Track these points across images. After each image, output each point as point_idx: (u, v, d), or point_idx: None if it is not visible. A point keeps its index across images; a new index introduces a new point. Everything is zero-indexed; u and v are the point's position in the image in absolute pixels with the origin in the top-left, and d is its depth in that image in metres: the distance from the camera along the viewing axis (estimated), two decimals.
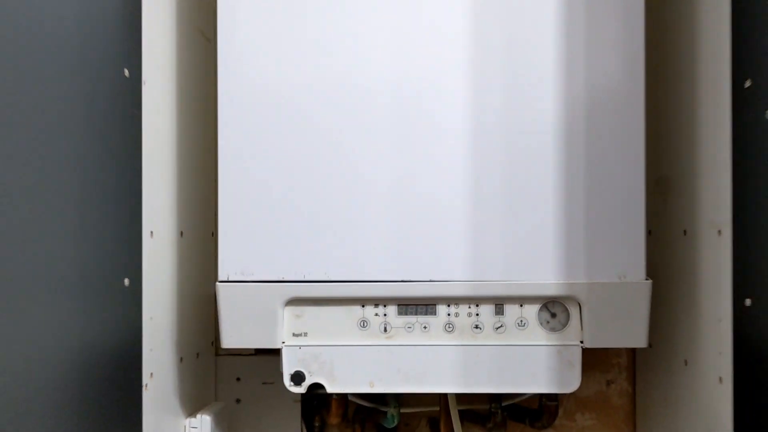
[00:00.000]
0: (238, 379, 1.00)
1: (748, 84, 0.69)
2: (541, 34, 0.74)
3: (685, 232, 0.83)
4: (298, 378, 0.77)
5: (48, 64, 0.58)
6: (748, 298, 0.69)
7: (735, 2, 0.71)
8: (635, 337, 0.75)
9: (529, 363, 0.76)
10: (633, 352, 1.03)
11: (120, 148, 0.70)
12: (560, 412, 1.04)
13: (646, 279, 0.74)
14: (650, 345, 0.92)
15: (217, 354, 1.00)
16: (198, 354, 0.93)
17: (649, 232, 0.91)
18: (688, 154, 0.82)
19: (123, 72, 0.70)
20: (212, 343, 0.99)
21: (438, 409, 0.98)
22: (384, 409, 0.98)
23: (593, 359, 1.04)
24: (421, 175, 0.74)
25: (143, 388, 0.75)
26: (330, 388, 0.77)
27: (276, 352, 0.79)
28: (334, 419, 0.93)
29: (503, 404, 0.97)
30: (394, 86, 0.74)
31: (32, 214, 0.56)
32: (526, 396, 0.97)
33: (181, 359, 0.87)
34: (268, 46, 0.75)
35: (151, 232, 0.77)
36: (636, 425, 1.03)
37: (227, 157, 0.75)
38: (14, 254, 0.54)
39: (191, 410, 0.89)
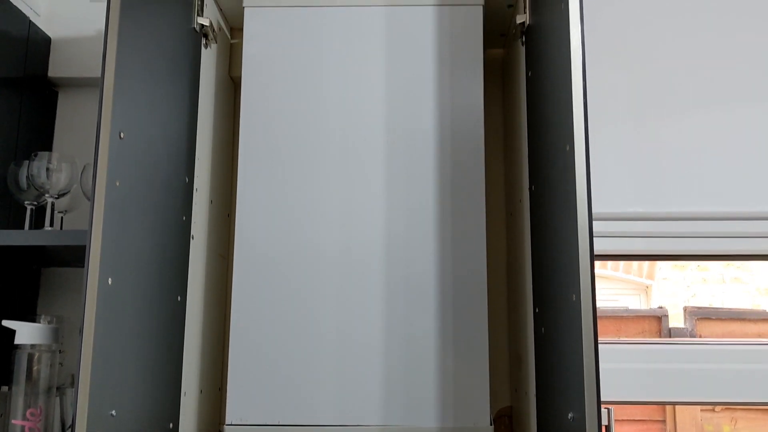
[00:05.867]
0: None
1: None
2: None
3: (526, 392, 1.30)
4: None
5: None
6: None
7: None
8: None
9: None
10: None
11: (173, 340, 1.18)
12: None
13: (490, 425, 1.21)
14: None
15: None
16: None
17: (515, 390, 1.39)
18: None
19: (177, 297, 1.20)
20: None
21: None
22: None
23: None
24: (354, 353, 1.22)
25: None
26: None
27: None
28: None
29: None
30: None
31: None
32: None
33: None
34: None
35: (185, 392, 1.24)
36: None
37: (237, 344, 1.23)
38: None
39: None
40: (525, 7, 1.30)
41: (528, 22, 1.29)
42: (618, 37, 1.68)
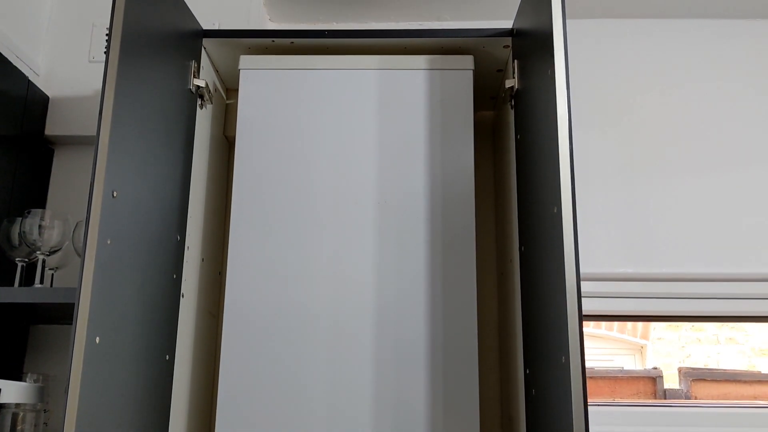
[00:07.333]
0: None
1: None
2: None
3: None
4: None
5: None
6: None
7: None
8: None
9: None
10: None
11: (160, 400, 1.16)
12: None
13: None
14: None
15: None
16: None
17: None
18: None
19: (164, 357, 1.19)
20: None
21: None
22: None
23: None
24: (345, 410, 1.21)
25: None
26: None
27: None
28: None
29: None
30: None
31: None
32: None
33: None
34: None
35: None
36: None
37: (225, 404, 1.21)
38: None
39: None
40: (514, 72, 1.33)
41: (517, 87, 1.32)
42: (608, 101, 1.71)
